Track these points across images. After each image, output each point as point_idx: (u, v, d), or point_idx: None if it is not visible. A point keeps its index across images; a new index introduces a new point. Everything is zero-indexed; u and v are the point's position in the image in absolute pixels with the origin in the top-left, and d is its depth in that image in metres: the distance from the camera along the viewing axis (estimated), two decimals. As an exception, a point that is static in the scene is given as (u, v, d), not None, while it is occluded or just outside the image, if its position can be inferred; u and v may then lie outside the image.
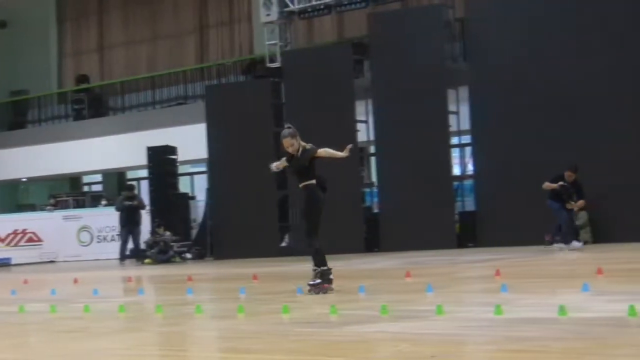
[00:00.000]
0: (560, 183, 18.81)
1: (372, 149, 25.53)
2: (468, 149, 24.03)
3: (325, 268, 11.77)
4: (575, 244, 18.81)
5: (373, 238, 24.06)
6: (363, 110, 24.89)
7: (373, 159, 25.59)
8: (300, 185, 12.01)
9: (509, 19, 22.39)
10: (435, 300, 9.38)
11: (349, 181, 24.13)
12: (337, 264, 18.77)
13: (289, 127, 11.98)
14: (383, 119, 23.98)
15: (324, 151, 12.03)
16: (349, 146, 11.93)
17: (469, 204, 24.13)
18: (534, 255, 18.23)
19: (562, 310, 7.65)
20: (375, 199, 25.45)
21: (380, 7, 26.26)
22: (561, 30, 21.63)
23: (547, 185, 19.04)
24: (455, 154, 24.45)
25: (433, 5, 25.13)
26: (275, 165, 12.48)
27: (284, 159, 12.19)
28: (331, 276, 11.82)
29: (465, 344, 6.72)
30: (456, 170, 24.51)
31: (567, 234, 18.94)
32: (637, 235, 19.57)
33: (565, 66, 21.36)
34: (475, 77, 22.86)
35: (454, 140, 24.28)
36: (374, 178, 25.53)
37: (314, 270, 11.76)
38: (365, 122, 24.89)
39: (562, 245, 18.90)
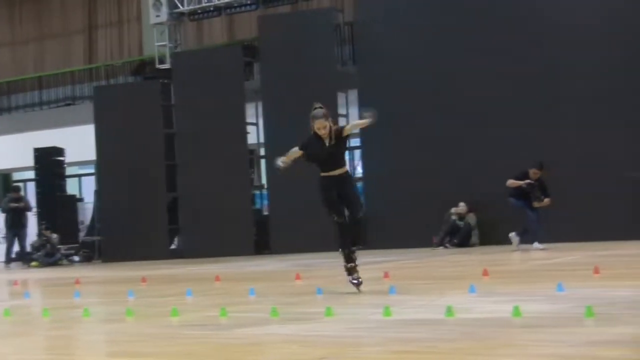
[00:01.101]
0: (528, 181, 18.16)
1: (262, 152, 25.49)
2: (357, 152, 24.17)
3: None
4: (536, 244, 18.04)
5: (263, 240, 24.06)
6: (253, 113, 24.88)
7: (263, 162, 25.55)
8: (338, 173, 10.67)
9: (398, 22, 22.60)
10: (325, 302, 9.40)
11: (239, 183, 24.11)
12: (226, 267, 18.76)
13: (320, 107, 10.85)
14: (273, 122, 23.99)
15: (351, 127, 11.00)
16: (371, 112, 10.47)
17: (359, 207, 24.23)
18: (422, 257, 18.43)
19: (449, 311, 7.74)
20: (265, 201, 25.44)
21: (270, 9, 26.34)
22: (451, 32, 21.92)
23: (512, 182, 18.41)
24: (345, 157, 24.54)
25: (323, 9, 25.29)
26: (283, 160, 11.09)
27: (295, 148, 11.09)
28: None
29: (354, 346, 6.74)
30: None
31: (535, 232, 18.20)
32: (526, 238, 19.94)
33: (455, 69, 21.65)
34: (364, 81, 23.02)
35: (344, 143, 24.35)
36: (264, 180, 25.52)
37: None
38: (255, 124, 24.87)
39: (537, 244, 18.05)
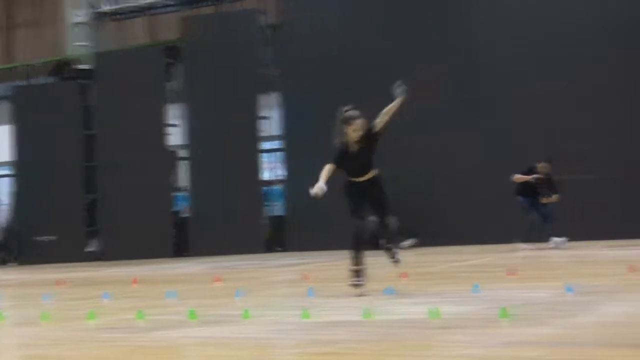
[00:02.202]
0: (535, 175, 17.47)
1: (183, 153, 25.37)
2: (278, 154, 24.18)
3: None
4: (556, 239, 17.44)
5: (182, 242, 23.94)
6: (175, 114, 24.73)
7: (184, 163, 25.41)
8: (366, 178, 10.51)
9: (321, 25, 22.67)
10: (243, 304, 9.36)
11: (159, 185, 23.96)
12: (145, 269, 18.60)
13: (353, 108, 10.57)
14: (195, 123, 23.91)
15: (382, 120, 10.45)
16: (401, 87, 10.34)
17: (278, 209, 24.29)
18: (341, 259, 18.45)
19: (367, 313, 7.76)
20: (185, 203, 25.32)
21: (193, 10, 26.20)
22: (374, 35, 22.04)
23: (519, 177, 17.67)
24: (265, 159, 24.57)
25: (246, 11, 25.24)
26: (320, 187, 10.81)
27: (328, 166, 10.80)
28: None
29: (272, 348, 6.72)
30: (266, 175, 24.63)
31: (531, 233, 17.48)
32: (438, 240, 20.14)
33: (378, 71, 21.75)
34: (286, 83, 23.03)
35: (265, 145, 24.40)
36: (185, 182, 25.40)
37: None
38: (177, 125, 24.72)
39: (523, 245, 17.46)
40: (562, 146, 19.85)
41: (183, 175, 25.97)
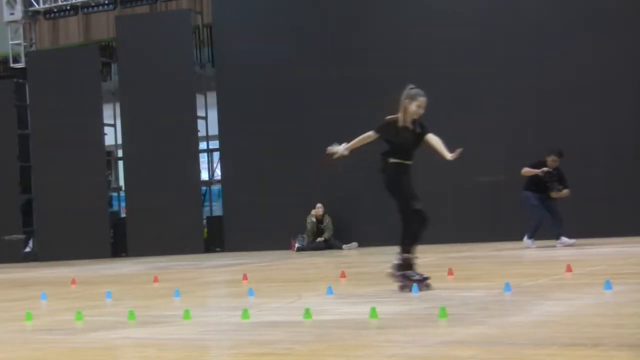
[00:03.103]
0: (545, 169, 16.52)
1: (119, 153, 25.20)
2: (216, 154, 24.13)
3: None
4: (565, 239, 16.56)
5: (120, 243, 23.78)
6: (110, 114, 24.58)
7: (120, 163, 25.26)
8: (411, 163, 10.17)
9: (256, 24, 22.65)
10: (182, 305, 9.35)
11: (95, 185, 23.79)
12: (82, 270, 18.45)
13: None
14: (131, 123, 23.76)
15: (433, 141, 10.27)
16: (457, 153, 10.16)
17: (217, 209, 24.25)
18: (281, 259, 18.49)
19: (307, 313, 7.79)
20: (123, 204, 25.17)
21: (128, 10, 26.04)
22: (308, 35, 22.07)
23: (527, 171, 16.73)
24: (203, 159, 24.50)
25: (181, 10, 25.15)
26: (348, 147, 10.52)
27: (370, 133, 10.30)
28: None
29: (210, 349, 6.73)
30: (204, 175, 24.56)
31: (534, 230, 16.78)
32: (379, 240, 20.22)
33: (312, 72, 21.80)
34: (222, 83, 23.00)
35: (202, 145, 24.33)
36: (121, 182, 25.25)
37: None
38: (113, 125, 24.56)
39: (528, 241, 16.79)
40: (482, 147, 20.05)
41: (120, 175, 25.83)
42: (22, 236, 24.91)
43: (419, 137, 9.93)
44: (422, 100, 9.71)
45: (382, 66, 21.13)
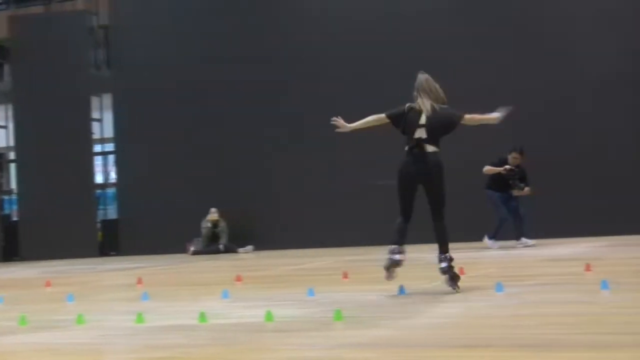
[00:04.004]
0: (507, 167, 16.35)
1: (11, 156, 24.74)
2: (111, 157, 23.85)
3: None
4: (525, 240, 16.41)
5: (12, 246, 23.35)
6: (3, 116, 24.14)
7: (13, 166, 24.81)
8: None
9: (153, 26, 22.49)
10: (76, 309, 9.19)
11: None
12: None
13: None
14: (24, 125, 23.34)
15: (470, 119, 9.47)
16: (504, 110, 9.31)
17: (112, 212, 23.97)
18: (176, 263, 18.36)
19: (202, 317, 7.73)
20: (14, 207, 24.72)
21: (22, 10, 25.56)
22: (206, 38, 22.02)
23: (489, 169, 16.51)
24: (98, 161, 24.20)
25: (77, 12, 24.78)
26: (352, 127, 9.84)
27: (382, 115, 9.70)
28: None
29: (105, 353, 6.63)
30: (99, 178, 24.25)
31: (499, 230, 16.55)
32: (274, 244, 20.28)
33: (209, 76, 21.72)
34: (118, 85, 22.76)
35: (97, 148, 24.02)
36: (13, 185, 24.80)
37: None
38: (5, 127, 24.11)
39: (489, 241, 16.58)
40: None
41: (12, 177, 25.35)
42: None
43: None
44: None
45: (281, 68, 21.23)
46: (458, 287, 9.01)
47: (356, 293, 9.66)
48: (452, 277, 9.12)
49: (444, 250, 9.30)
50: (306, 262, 16.17)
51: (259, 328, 7.30)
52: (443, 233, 9.43)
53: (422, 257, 15.71)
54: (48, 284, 13.12)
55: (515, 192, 16.51)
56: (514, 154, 16.48)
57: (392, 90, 20.22)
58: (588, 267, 10.76)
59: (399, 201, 9.54)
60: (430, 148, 9.20)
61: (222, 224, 21.35)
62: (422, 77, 9.35)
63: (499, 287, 8.77)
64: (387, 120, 9.65)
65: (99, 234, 23.19)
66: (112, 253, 22.53)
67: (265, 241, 20.81)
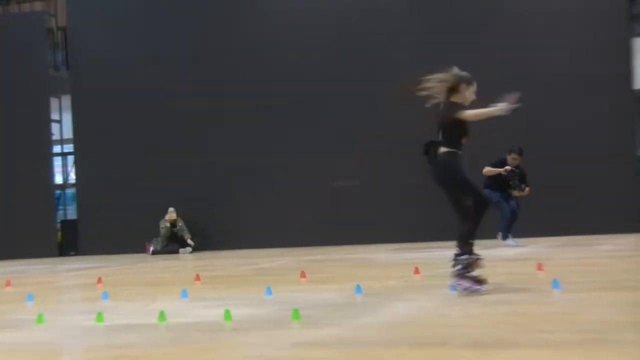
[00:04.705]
0: (507, 167, 16.09)
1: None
2: (70, 158, 23.73)
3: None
4: (510, 241, 16.42)
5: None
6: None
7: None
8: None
9: (112, 27, 22.41)
10: (36, 309, 9.17)
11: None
12: None
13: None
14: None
15: (471, 114, 8.65)
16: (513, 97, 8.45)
17: (71, 213, 23.84)
18: (135, 263, 18.31)
19: (161, 316, 7.75)
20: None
21: (-20, 11, 25.35)
22: (165, 39, 21.97)
23: (489, 170, 16.18)
24: (57, 162, 24.06)
25: (34, 12, 24.63)
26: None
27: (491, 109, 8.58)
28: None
29: (64, 353, 6.64)
30: (58, 179, 24.10)
31: (509, 227, 16.50)
32: (232, 244, 20.31)
33: (169, 77, 21.69)
34: (77, 86, 22.65)
35: (57, 148, 23.88)
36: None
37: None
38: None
39: (506, 241, 16.43)
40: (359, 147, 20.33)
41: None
42: None
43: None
44: (474, 86, 8.77)
45: (234, 68, 21.26)
46: (468, 288, 8.58)
47: (314, 292, 9.70)
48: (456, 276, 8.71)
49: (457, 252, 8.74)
50: (264, 262, 16.19)
51: (217, 327, 7.32)
52: (457, 236, 8.77)
53: (380, 257, 15.85)
54: (8, 284, 13.05)
55: (516, 193, 16.37)
56: (513, 155, 16.26)
57: (346, 88, 20.57)
58: (540, 267, 10.89)
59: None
60: (442, 149, 8.73)
61: (180, 223, 21.33)
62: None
63: (453, 287, 8.83)
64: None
65: (59, 234, 23.06)
66: (71, 253, 22.42)
67: (223, 241, 20.83)
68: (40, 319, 8.06)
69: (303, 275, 11.59)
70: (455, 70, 8.78)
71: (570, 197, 19.22)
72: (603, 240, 17.08)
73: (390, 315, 7.57)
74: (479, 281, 8.67)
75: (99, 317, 7.88)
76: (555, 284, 8.61)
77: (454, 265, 8.74)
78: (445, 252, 15.65)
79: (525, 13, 20.07)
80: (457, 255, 8.73)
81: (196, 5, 22.15)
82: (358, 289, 9.17)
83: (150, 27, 22.24)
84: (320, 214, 20.36)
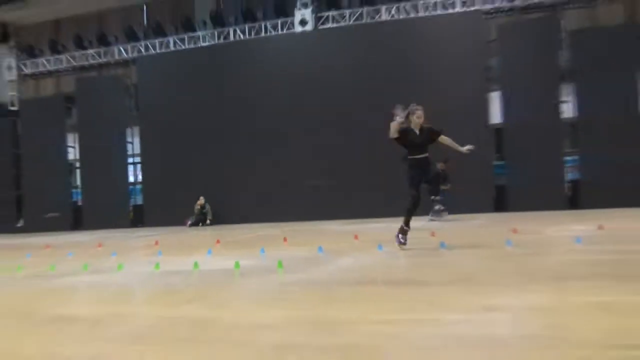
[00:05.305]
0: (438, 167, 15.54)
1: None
2: (138, 166, 23.41)
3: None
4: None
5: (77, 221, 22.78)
6: (72, 139, 23.53)
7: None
8: (424, 156, 8.62)
9: (166, 82, 22.02)
10: (117, 260, 9.12)
11: None
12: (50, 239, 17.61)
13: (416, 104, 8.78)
14: (85, 148, 22.75)
15: (444, 140, 8.72)
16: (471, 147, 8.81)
17: (139, 200, 23.52)
18: (178, 232, 18.18)
19: (195, 265, 7.76)
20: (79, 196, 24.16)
21: (84, 73, 24.91)
22: (199, 88, 21.65)
23: None
24: (130, 168, 23.79)
25: (117, 75, 24.19)
26: (400, 117, 8.46)
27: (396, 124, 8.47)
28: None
29: (135, 288, 6.61)
30: (131, 178, 23.78)
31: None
32: (232, 219, 20.09)
33: (203, 111, 21.38)
34: (143, 120, 22.36)
35: (130, 159, 23.60)
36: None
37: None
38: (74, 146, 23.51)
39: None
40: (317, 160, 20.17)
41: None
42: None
43: (425, 137, 8.63)
44: (418, 113, 8.60)
45: (237, 109, 21.00)
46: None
47: (292, 251, 9.70)
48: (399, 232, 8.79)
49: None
50: (259, 231, 16.11)
51: (230, 273, 7.34)
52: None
53: (332, 228, 15.84)
54: (99, 245, 12.96)
55: (443, 187, 15.90)
56: (440, 164, 15.82)
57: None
58: (433, 234, 10.96)
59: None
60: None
61: (207, 207, 21.19)
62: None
63: (380, 247, 8.90)
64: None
65: (130, 213, 22.87)
66: (139, 225, 22.23)
67: (232, 218, 20.70)
68: (120, 267, 8.04)
69: (285, 240, 11.58)
70: (411, 106, 8.68)
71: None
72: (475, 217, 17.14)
73: (340, 265, 7.60)
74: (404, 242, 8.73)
75: (157, 266, 7.88)
76: (442, 244, 8.68)
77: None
78: (375, 225, 15.72)
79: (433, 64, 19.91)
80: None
81: (219, 65, 21.91)
82: (320, 249, 9.20)
83: (192, 81, 21.98)
84: (298, 199, 20.17)
